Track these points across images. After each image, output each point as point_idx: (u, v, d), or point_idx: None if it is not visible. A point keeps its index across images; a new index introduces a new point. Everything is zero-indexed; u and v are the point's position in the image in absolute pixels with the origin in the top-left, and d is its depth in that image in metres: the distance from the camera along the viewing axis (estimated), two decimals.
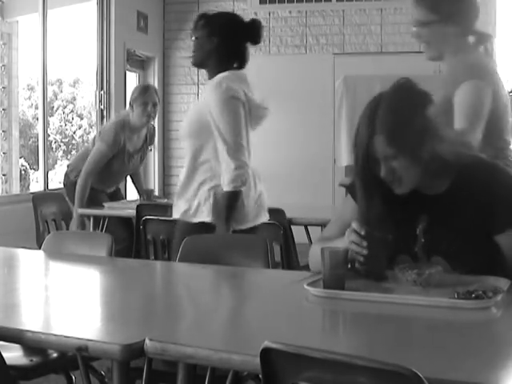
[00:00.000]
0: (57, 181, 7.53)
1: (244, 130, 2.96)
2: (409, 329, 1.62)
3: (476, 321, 1.62)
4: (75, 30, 8.44)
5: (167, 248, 3.89)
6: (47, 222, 4.56)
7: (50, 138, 10.64)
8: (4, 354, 1.49)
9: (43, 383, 2.49)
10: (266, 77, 6.88)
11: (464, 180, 1.95)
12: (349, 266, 1.92)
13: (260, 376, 1.25)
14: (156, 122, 5.67)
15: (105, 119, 6.91)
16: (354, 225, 1.89)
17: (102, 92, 6.99)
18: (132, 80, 7.73)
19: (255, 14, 7.14)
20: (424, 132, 1.89)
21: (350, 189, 2.12)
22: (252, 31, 3.05)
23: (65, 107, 15.35)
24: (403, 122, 1.89)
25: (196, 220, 2.98)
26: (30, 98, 13.49)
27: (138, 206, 4.10)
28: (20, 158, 7.53)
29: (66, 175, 4.75)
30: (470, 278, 1.83)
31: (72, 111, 11.88)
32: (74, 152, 10.83)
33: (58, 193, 5.03)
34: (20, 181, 7.56)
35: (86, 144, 7.79)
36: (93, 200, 4.46)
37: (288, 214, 3.84)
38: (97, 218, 4.47)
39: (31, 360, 2.18)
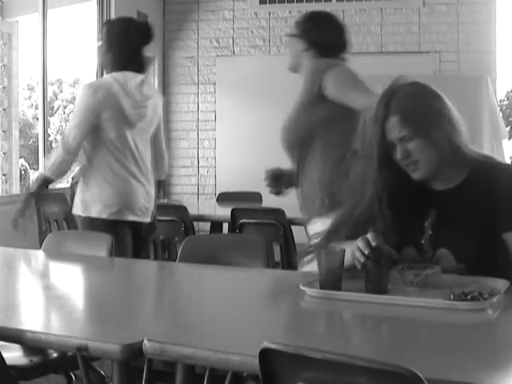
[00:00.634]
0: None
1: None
2: (405, 329, 1.61)
3: (472, 322, 1.62)
4: (75, 29, 8.44)
5: (167, 248, 3.89)
6: (49, 221, 4.56)
7: (50, 138, 10.64)
8: (4, 354, 1.49)
9: (43, 383, 2.50)
10: (266, 77, 6.88)
11: (478, 177, 1.94)
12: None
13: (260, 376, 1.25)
14: None
15: None
16: (370, 235, 1.81)
17: None
18: None
19: (255, 14, 7.13)
20: (440, 115, 1.89)
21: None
22: (145, 35, 3.38)
23: (65, 107, 15.36)
24: (419, 103, 1.90)
25: None
26: (30, 97, 13.49)
27: None
28: (20, 158, 7.52)
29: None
30: (468, 279, 1.81)
31: (72, 111, 11.89)
32: None
33: (59, 193, 5.02)
34: (20, 181, 7.55)
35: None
36: None
37: (288, 214, 3.84)
38: None
39: (31, 360, 2.18)
